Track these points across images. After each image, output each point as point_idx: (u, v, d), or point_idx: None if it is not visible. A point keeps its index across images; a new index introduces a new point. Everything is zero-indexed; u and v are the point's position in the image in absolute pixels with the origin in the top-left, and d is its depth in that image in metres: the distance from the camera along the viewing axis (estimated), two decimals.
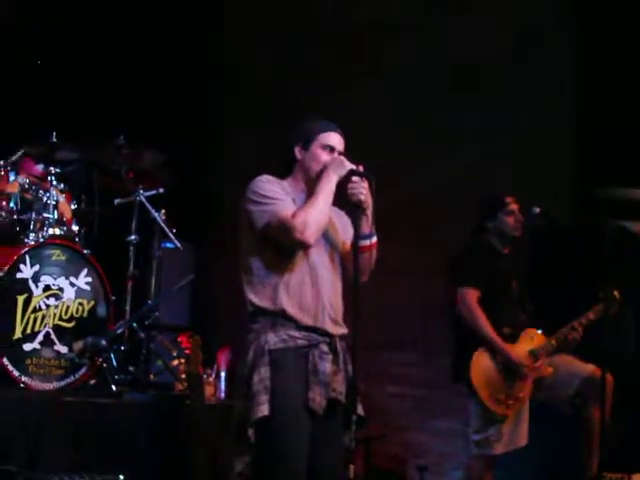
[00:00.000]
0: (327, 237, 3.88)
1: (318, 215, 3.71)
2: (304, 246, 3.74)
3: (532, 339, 5.26)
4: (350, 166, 3.79)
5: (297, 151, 3.90)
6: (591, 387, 5.12)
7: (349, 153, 3.90)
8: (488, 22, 6.86)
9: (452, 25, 6.97)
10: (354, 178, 3.77)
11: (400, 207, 6.67)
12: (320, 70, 7.34)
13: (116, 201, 5.90)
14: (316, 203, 3.72)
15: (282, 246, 3.76)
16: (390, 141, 6.95)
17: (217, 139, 7.76)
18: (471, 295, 5.17)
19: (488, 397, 5.10)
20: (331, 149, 3.87)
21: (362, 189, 3.76)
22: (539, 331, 5.30)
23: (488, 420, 5.11)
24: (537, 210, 5.33)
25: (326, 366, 3.74)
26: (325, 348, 3.77)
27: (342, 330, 3.84)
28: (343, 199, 3.82)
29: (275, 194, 3.78)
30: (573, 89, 6.62)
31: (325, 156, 3.85)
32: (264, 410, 3.64)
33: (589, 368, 5.22)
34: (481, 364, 5.13)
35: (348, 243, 3.92)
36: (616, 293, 5.22)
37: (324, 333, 3.78)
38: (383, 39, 7.19)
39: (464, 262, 5.32)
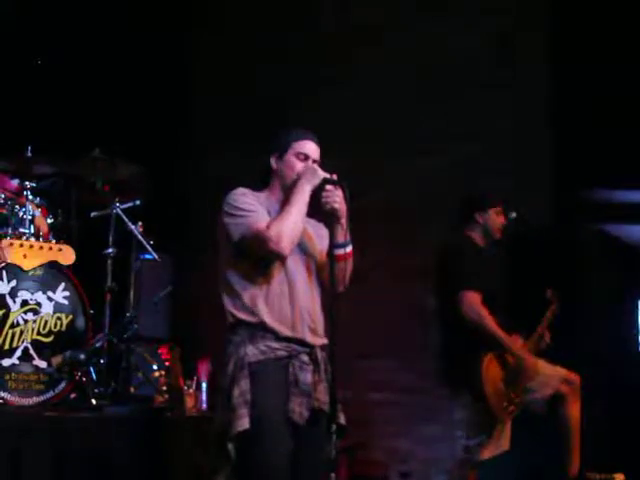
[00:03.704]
0: (303, 248, 3.88)
1: (292, 225, 3.71)
2: (279, 257, 3.74)
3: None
4: (323, 175, 3.79)
5: (273, 162, 3.92)
6: (569, 387, 5.15)
7: (329, 156, 3.92)
8: (458, 23, 6.91)
9: (426, 26, 7.01)
10: (328, 186, 3.77)
11: (380, 213, 6.69)
12: (300, 73, 7.37)
13: (92, 214, 5.89)
14: (290, 214, 3.72)
15: (259, 258, 3.76)
16: (368, 143, 6.97)
17: (196, 151, 7.75)
18: (474, 297, 5.07)
19: (497, 404, 5.06)
20: (305, 157, 3.88)
21: (336, 197, 3.76)
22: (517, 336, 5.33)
23: (483, 426, 5.10)
24: (514, 215, 5.35)
25: (307, 376, 3.75)
26: (305, 358, 3.77)
27: (322, 340, 3.83)
28: (318, 209, 3.84)
29: (250, 206, 3.79)
30: (546, 89, 6.65)
31: (299, 164, 3.86)
32: (244, 423, 3.62)
33: (562, 370, 5.26)
34: (492, 372, 5.08)
35: (324, 253, 3.91)
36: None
37: (304, 343, 3.78)
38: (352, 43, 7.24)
39: (458, 264, 5.21)
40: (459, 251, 5.30)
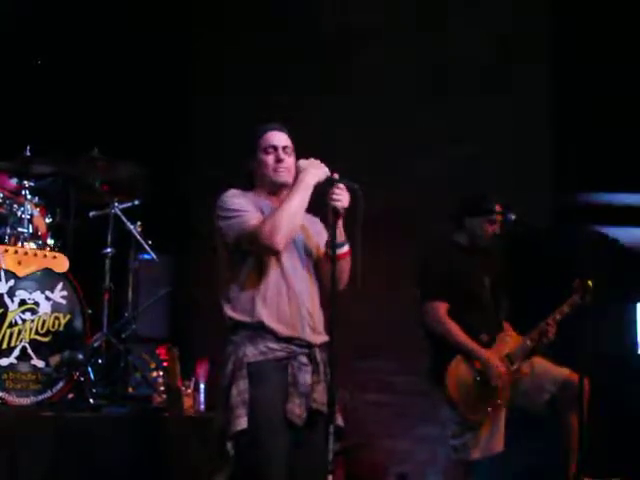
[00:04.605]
0: (300, 244, 3.89)
1: (288, 219, 3.71)
2: (274, 251, 3.73)
3: (508, 342, 5.24)
4: (328, 172, 3.81)
5: (249, 164, 3.96)
6: (568, 391, 5.12)
7: (330, 156, 3.91)
8: (458, 23, 6.91)
9: (425, 26, 7.01)
10: (340, 185, 3.78)
11: (383, 212, 6.67)
12: (300, 73, 7.37)
13: (91, 214, 5.89)
14: (287, 207, 3.73)
15: (256, 258, 3.76)
16: (372, 144, 6.96)
17: (196, 151, 7.73)
18: (439, 308, 5.12)
19: (465, 407, 5.06)
20: (274, 148, 3.90)
21: (345, 196, 3.78)
22: (513, 331, 5.29)
23: (465, 426, 5.10)
24: (513, 217, 5.32)
25: (306, 377, 3.75)
26: (304, 359, 3.77)
27: (322, 338, 3.83)
28: (319, 206, 3.84)
29: (241, 206, 3.80)
30: (546, 89, 6.64)
31: (269, 157, 3.89)
32: (242, 423, 3.63)
33: (564, 372, 5.22)
34: (458, 374, 5.08)
35: (321, 249, 3.93)
36: (589, 282, 5.16)
37: (304, 343, 3.78)
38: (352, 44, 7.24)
39: (427, 274, 5.26)
40: (430, 259, 5.33)
